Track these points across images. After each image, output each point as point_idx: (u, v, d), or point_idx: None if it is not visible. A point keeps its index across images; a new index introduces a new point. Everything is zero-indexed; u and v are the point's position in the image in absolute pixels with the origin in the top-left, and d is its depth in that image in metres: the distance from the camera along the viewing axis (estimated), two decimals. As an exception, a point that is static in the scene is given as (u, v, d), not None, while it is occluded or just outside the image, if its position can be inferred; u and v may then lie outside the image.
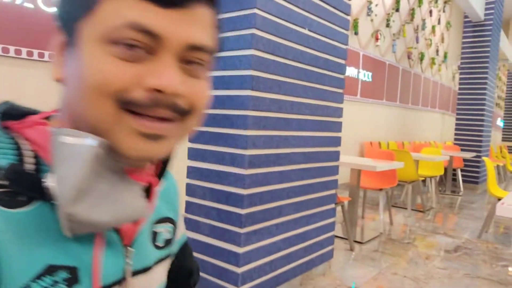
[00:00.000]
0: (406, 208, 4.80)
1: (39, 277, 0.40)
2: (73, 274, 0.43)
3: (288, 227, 2.18)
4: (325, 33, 2.29)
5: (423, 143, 8.03)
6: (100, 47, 0.41)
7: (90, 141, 0.41)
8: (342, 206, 3.05)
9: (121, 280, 0.49)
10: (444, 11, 10.10)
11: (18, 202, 0.41)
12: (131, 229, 0.51)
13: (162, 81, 0.41)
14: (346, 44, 2.50)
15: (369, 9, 6.39)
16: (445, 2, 10.00)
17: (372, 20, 6.58)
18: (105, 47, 0.41)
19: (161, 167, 0.56)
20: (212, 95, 1.99)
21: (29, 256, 0.40)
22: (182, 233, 0.70)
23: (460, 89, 7.05)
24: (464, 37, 6.99)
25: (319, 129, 2.34)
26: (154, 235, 0.58)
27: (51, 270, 0.41)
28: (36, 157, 0.44)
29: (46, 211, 0.42)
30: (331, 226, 2.59)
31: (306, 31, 2.14)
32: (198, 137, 2.06)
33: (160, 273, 0.59)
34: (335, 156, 2.55)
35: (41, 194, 0.42)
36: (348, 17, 2.48)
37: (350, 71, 6.08)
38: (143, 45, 0.41)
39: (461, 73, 7.06)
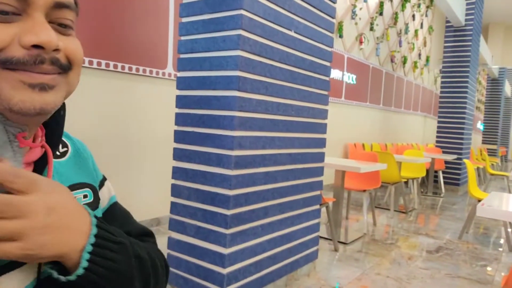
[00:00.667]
0: (389, 209, 4.87)
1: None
2: None
3: (274, 228, 2.18)
4: (310, 35, 2.31)
5: (405, 145, 8.15)
6: None
7: None
8: (327, 207, 3.08)
9: None
10: (426, 16, 10.29)
11: None
12: None
13: (40, 38, 0.42)
14: (331, 47, 2.52)
15: (354, 12, 6.46)
16: (427, 7, 10.19)
17: (356, 24, 6.66)
18: None
19: (52, 135, 0.55)
20: (198, 95, 1.98)
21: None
22: (109, 197, 0.68)
23: (441, 92, 7.19)
24: (446, 42, 7.13)
25: (304, 131, 2.36)
26: None
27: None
28: None
29: None
30: (316, 227, 2.61)
31: (292, 33, 2.15)
32: (184, 138, 2.05)
33: None
34: (320, 157, 2.56)
35: None
36: (333, 20, 2.50)
37: (335, 74, 6.13)
38: (12, 8, 0.42)
39: (442, 77, 7.20)
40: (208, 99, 1.94)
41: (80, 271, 0.44)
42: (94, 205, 0.60)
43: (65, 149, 0.62)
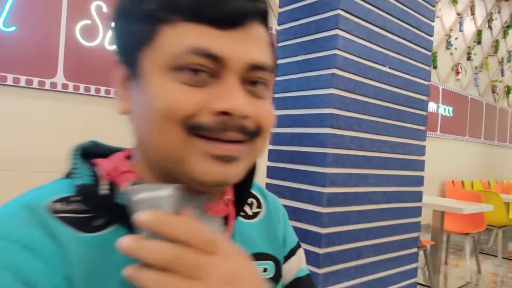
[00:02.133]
0: (495, 256, 4.35)
1: None
2: None
3: (368, 271, 2.08)
4: (406, 70, 2.25)
5: (511, 183, 7.32)
6: (165, 75, 0.41)
7: (165, 192, 0.39)
8: (425, 251, 2.86)
9: None
10: (533, 42, 9.38)
11: (93, 227, 0.41)
12: None
13: (229, 104, 0.41)
14: (429, 80, 2.42)
15: (448, 42, 6.16)
16: (534, 32, 9.31)
17: (451, 54, 6.32)
18: (170, 74, 0.41)
19: (238, 195, 0.53)
20: (291, 133, 2.02)
21: (98, 284, 0.39)
22: (297, 269, 0.62)
23: (556, 125, 6.40)
24: (559, 69, 6.40)
25: (400, 168, 2.26)
26: None
27: None
28: (111, 184, 0.45)
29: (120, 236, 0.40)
30: (413, 272, 2.43)
31: (387, 69, 2.12)
32: (276, 173, 2.09)
33: None
34: (418, 196, 2.42)
35: (114, 215, 0.42)
36: (430, 53, 2.41)
37: (429, 106, 5.84)
38: (207, 69, 0.41)
39: (556, 108, 6.42)
40: (300, 136, 1.97)
41: None
42: (274, 281, 0.56)
43: (258, 210, 0.59)
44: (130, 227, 0.40)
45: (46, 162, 2.77)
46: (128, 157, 0.50)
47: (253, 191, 0.62)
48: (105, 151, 0.51)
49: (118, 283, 0.40)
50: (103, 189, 0.43)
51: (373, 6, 1.99)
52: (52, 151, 2.78)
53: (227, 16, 0.41)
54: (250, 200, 0.60)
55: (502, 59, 8.02)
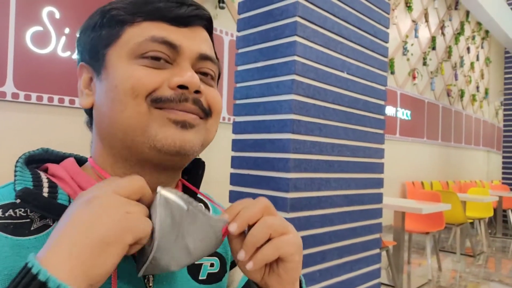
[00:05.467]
0: (455, 253, 4.53)
1: None
2: None
3: (332, 274, 2.10)
4: (363, 76, 2.31)
5: (468, 183, 7.67)
6: (129, 62, 0.49)
7: (184, 205, 0.43)
8: (387, 251, 2.93)
9: None
10: (482, 47, 9.93)
11: (31, 231, 0.45)
12: None
13: (185, 79, 0.49)
14: (385, 85, 2.49)
15: (405, 48, 6.39)
16: (482, 39, 9.85)
17: (408, 59, 6.57)
18: (133, 61, 0.49)
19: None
20: (253, 139, 2.02)
21: None
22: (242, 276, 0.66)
23: (505, 125, 6.78)
24: (506, 73, 6.80)
25: (360, 171, 2.30)
26: (197, 267, 0.57)
27: None
28: (54, 187, 0.48)
29: None
30: (377, 273, 2.48)
31: (345, 75, 2.16)
32: (240, 180, 2.08)
33: None
34: (378, 198, 2.48)
35: (56, 215, 0.44)
36: (386, 59, 2.49)
37: (388, 110, 6.02)
38: (164, 55, 0.49)
39: (505, 109, 6.81)
40: (263, 142, 1.97)
41: None
42: (218, 276, 0.60)
43: None
44: None
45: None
46: (79, 162, 0.56)
47: (203, 198, 0.67)
48: (57, 158, 0.56)
49: None
50: (44, 192, 0.46)
51: (330, 13, 2.04)
52: (2, 162, 2.64)
53: (180, 17, 0.51)
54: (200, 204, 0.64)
55: (455, 64, 8.43)
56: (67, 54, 2.94)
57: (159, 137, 0.47)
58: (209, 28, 0.57)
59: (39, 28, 2.82)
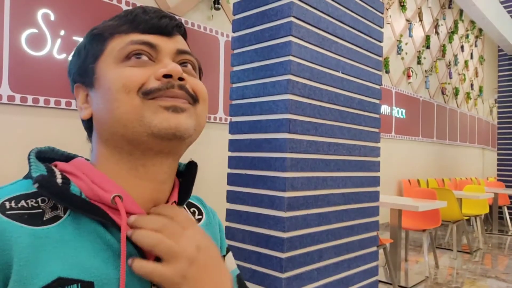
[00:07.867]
0: (451, 250, 4.57)
1: (47, 286, 0.44)
2: None
3: (330, 272, 2.12)
4: (358, 75, 2.33)
5: (464, 180, 7.71)
6: (116, 66, 0.55)
7: None
8: (384, 249, 2.94)
9: None
10: (476, 46, 9.99)
11: (44, 222, 0.48)
12: None
13: (168, 68, 0.54)
14: (380, 84, 2.51)
15: (399, 47, 6.43)
16: (476, 37, 9.92)
17: (402, 58, 6.61)
18: (120, 64, 0.55)
19: (181, 197, 0.63)
20: (250, 139, 2.03)
21: (43, 269, 0.45)
22: (231, 270, 0.70)
23: (499, 123, 6.83)
24: (500, 71, 6.85)
25: (357, 169, 2.32)
26: None
27: (60, 282, 0.45)
28: (66, 178, 0.52)
29: (69, 228, 0.49)
30: (374, 270, 2.49)
31: (340, 74, 2.18)
32: (237, 180, 2.09)
33: None
34: (375, 196, 2.49)
35: (69, 203, 0.49)
36: (380, 58, 2.51)
37: (383, 109, 6.05)
38: (146, 53, 0.55)
39: (499, 107, 6.86)
40: (259, 142, 1.98)
41: None
42: None
43: (200, 217, 0.70)
44: (83, 213, 0.49)
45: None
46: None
47: (195, 202, 0.72)
48: (62, 157, 0.60)
49: (59, 268, 0.46)
50: (58, 181, 0.51)
51: (324, 13, 2.05)
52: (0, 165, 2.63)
53: (158, 27, 0.57)
54: (192, 209, 0.70)
55: (450, 62, 8.48)
56: (62, 56, 2.93)
57: (155, 123, 0.52)
58: (184, 36, 0.63)
59: (34, 30, 2.81)
